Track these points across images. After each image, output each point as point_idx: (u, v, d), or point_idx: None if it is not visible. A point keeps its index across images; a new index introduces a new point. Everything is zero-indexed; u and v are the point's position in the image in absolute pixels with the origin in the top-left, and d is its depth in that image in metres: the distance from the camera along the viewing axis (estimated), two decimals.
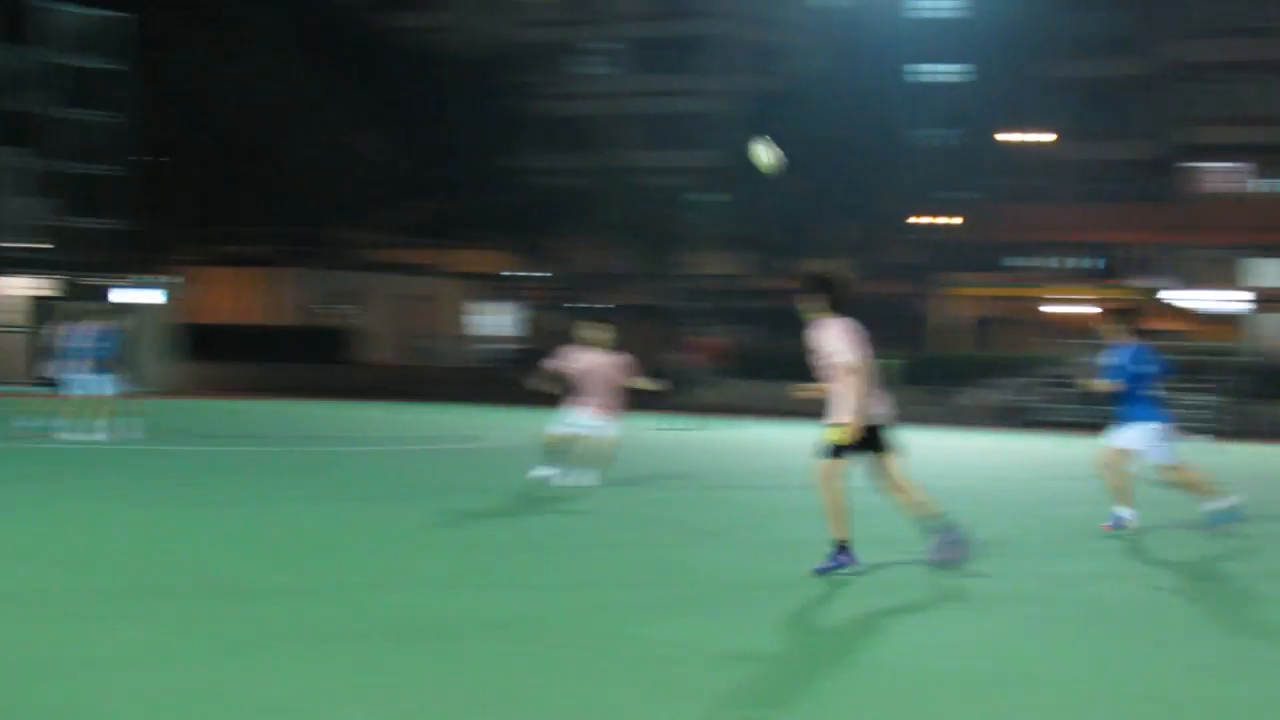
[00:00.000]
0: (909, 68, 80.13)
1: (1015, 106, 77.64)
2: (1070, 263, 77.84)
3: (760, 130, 70.58)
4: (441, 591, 12.15)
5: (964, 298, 73.79)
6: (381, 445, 30.15)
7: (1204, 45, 76.32)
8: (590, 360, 20.20)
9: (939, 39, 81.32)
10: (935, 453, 30.26)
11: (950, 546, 13.66)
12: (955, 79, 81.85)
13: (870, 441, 13.52)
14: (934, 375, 50.74)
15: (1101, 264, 76.83)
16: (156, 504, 17.71)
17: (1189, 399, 45.31)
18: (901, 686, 9.35)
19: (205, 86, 62.20)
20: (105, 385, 26.53)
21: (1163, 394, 16.83)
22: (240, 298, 70.34)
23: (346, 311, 72.61)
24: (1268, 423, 45.37)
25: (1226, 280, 72.69)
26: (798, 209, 74.13)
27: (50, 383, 27.06)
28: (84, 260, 56.49)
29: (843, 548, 13.36)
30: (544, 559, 14.00)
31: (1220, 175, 78.00)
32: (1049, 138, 77.57)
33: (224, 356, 60.76)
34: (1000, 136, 77.61)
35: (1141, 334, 16.94)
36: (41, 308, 51.51)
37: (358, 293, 73.26)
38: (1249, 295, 70.08)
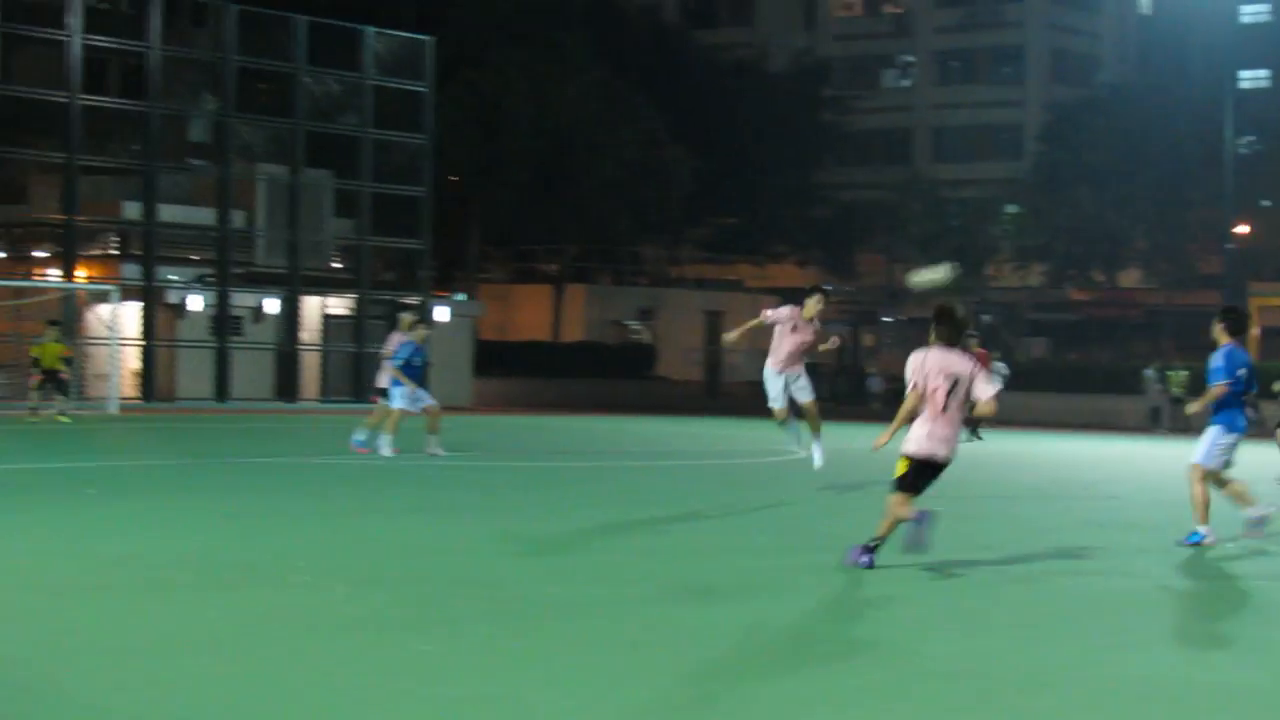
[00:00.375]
0: (1215, 74, 78.70)
1: None
2: None
3: (1063, 137, 69.64)
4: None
5: (1267, 308, 71.91)
6: (672, 460, 30.37)
7: None
8: (790, 316, 20.44)
9: (1246, 45, 79.69)
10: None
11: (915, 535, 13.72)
12: (1262, 85, 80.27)
13: (931, 474, 13.74)
14: None
15: None
16: (441, 512, 18.09)
17: None
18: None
19: (507, 105, 63.30)
20: (409, 399, 26.75)
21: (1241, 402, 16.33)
22: (535, 314, 71.43)
23: (641, 327, 73.34)
24: None
25: None
26: (1100, 220, 73.24)
27: (384, 394, 27.26)
28: (384, 279, 57.86)
29: (873, 547, 13.66)
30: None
31: None
32: None
33: (518, 372, 61.84)
34: None
35: (1239, 338, 16.44)
36: (341, 325, 52.92)
37: (653, 308, 73.94)
38: None
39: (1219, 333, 16.41)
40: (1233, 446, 16.35)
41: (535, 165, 64.76)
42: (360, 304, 52.72)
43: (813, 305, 20.37)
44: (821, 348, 20.95)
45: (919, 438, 13.62)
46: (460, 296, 61.11)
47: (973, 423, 39.34)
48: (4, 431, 32.93)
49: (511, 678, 9.44)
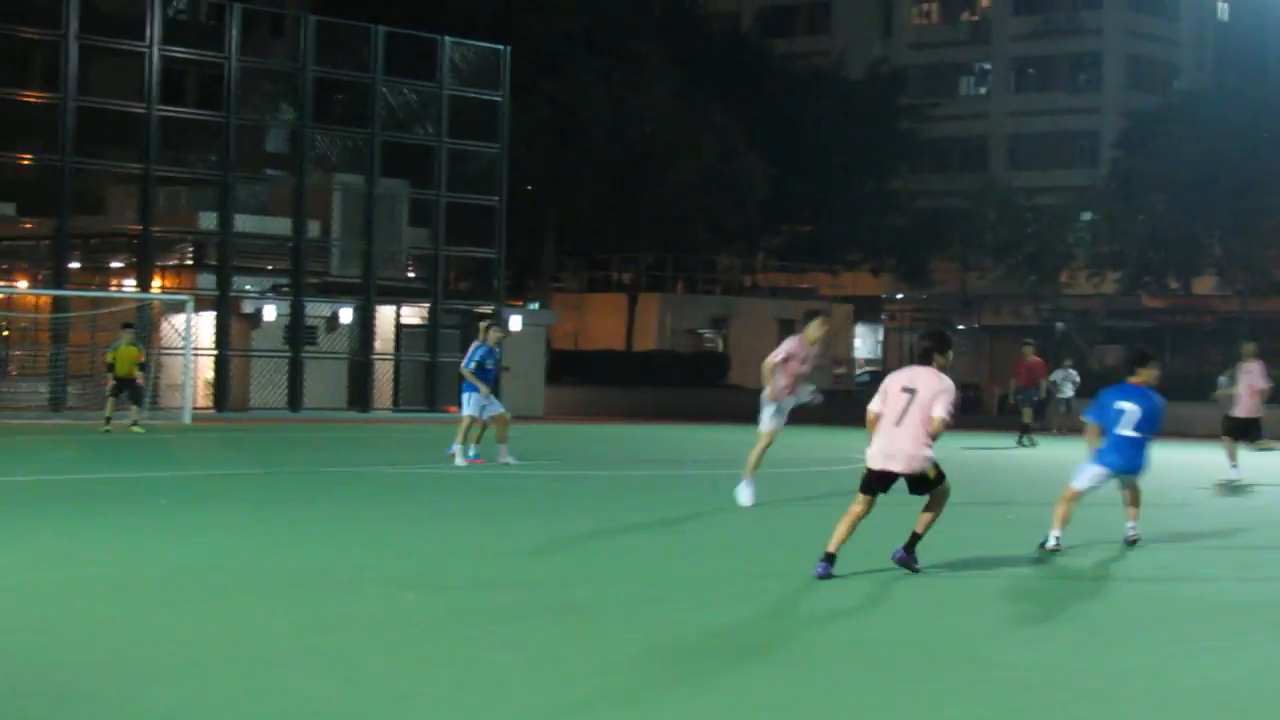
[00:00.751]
0: None
1: None
2: None
3: (1140, 144, 68.86)
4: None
5: None
6: (740, 469, 30.27)
7: None
8: (796, 348, 20.50)
9: None
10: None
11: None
12: None
13: (883, 484, 14.07)
14: None
15: None
16: (509, 520, 18.07)
17: None
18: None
19: (583, 114, 63.37)
20: (478, 406, 26.78)
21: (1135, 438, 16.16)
22: (609, 323, 71.51)
23: (714, 335, 73.34)
24: None
25: None
26: (1176, 226, 72.77)
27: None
28: (458, 288, 58.00)
29: (829, 558, 13.85)
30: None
31: None
32: None
33: (591, 381, 61.93)
34: None
35: (1138, 378, 16.46)
36: (415, 335, 53.10)
37: (726, 317, 73.93)
38: None
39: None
40: (1100, 478, 16.28)
41: (611, 174, 64.84)
42: (434, 313, 52.86)
43: (814, 330, 20.33)
44: (806, 398, 20.81)
45: (875, 451, 14.05)
46: (534, 305, 61.28)
47: (1024, 429, 39.34)
48: (79, 441, 33.25)
49: (580, 687, 9.50)
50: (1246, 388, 27.62)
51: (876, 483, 14.05)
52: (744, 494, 20.68)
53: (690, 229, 68.74)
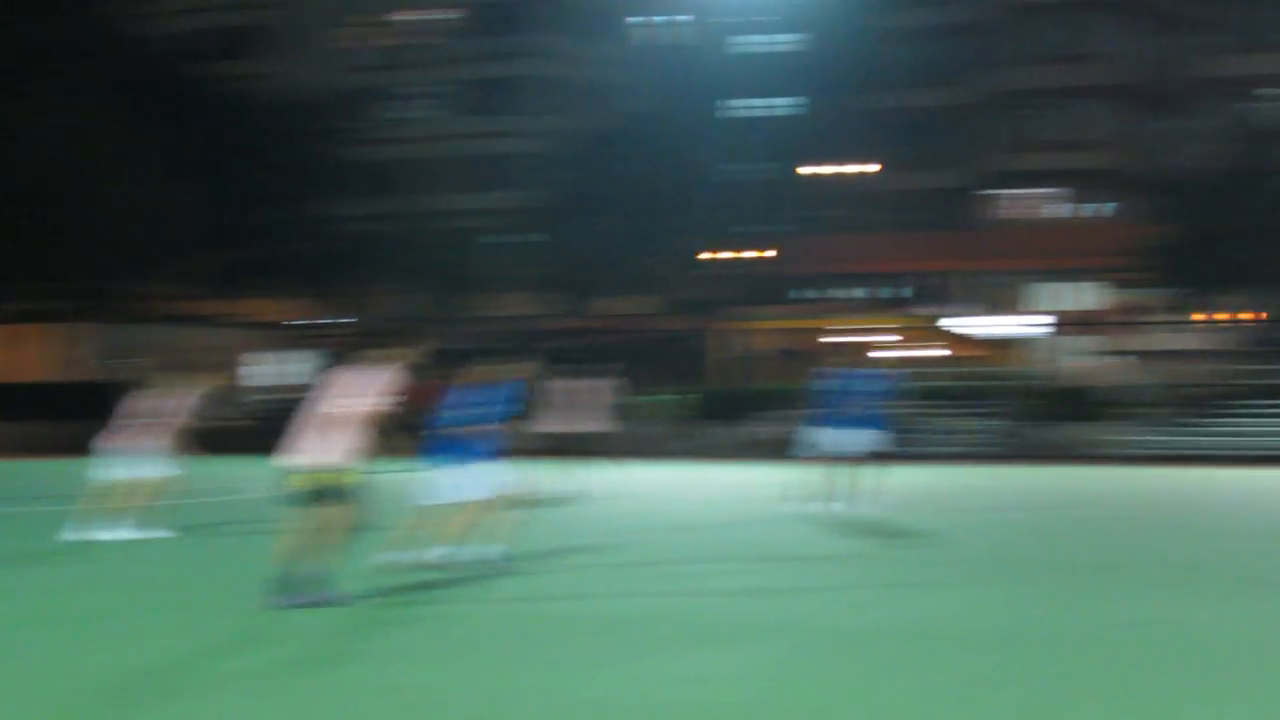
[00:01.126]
0: (729, 103, 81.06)
1: (834, 138, 78.64)
2: (867, 293, 78.67)
3: (580, 166, 70.52)
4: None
5: (758, 331, 74.06)
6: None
7: (1021, 73, 78.48)
8: (151, 402, 20.56)
9: (762, 74, 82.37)
10: (670, 485, 30.57)
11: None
12: (776, 113, 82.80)
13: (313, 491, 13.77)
14: (718, 409, 51.05)
15: (896, 293, 77.72)
16: None
17: (970, 423, 46.16)
18: None
19: (13, 141, 61.41)
20: None
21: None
22: (30, 355, 69.50)
23: (134, 366, 71.90)
24: (1048, 444, 45.50)
25: (1017, 305, 73.35)
26: (601, 248, 74.46)
27: None
28: None
29: (285, 584, 13.72)
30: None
31: (1023, 202, 79.65)
32: (863, 168, 78.50)
33: (22, 415, 60.16)
34: (812, 169, 78.50)
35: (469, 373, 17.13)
36: None
37: (147, 346, 72.51)
38: (1038, 320, 69.53)
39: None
40: (444, 486, 16.63)
41: (33, 201, 62.99)
42: None
43: (194, 386, 21.34)
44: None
45: (295, 454, 13.72)
46: None
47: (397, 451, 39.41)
48: None
49: None
50: (559, 402, 28.02)
51: (302, 489, 13.61)
52: (114, 530, 20.87)
53: (111, 257, 67.27)
